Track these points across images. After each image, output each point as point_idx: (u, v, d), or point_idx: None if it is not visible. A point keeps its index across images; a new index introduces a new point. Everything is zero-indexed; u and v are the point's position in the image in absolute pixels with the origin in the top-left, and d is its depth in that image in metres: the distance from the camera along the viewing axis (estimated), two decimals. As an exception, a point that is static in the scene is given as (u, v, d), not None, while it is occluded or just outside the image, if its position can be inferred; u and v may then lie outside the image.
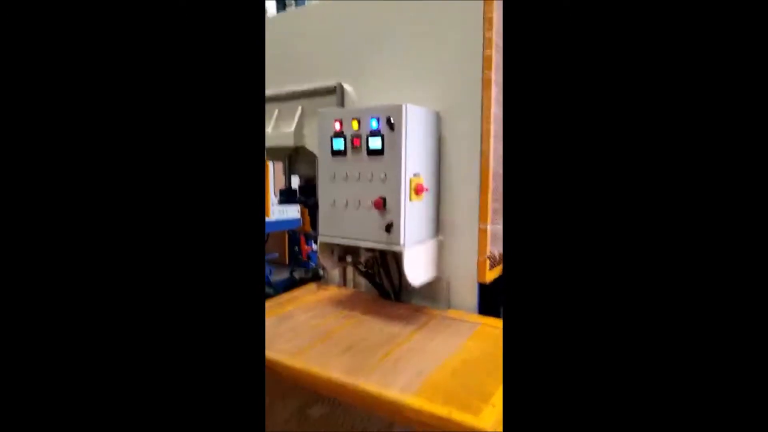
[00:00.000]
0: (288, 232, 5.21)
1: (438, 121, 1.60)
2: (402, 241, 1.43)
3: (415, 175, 1.46)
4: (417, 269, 1.52)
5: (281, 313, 1.57)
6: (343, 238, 1.55)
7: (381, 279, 1.72)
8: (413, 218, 1.47)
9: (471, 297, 1.61)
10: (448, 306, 1.65)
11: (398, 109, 1.39)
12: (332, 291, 1.85)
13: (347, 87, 1.81)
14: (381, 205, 1.44)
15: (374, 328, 1.44)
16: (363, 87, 1.79)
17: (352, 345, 1.29)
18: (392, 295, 1.72)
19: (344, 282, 1.91)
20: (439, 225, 1.65)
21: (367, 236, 1.49)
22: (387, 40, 1.71)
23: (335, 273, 1.92)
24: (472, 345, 1.29)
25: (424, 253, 1.55)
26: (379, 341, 1.33)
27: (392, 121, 1.39)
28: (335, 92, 1.81)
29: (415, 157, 1.46)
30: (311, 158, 1.99)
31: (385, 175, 1.43)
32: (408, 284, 1.50)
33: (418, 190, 1.46)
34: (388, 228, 1.43)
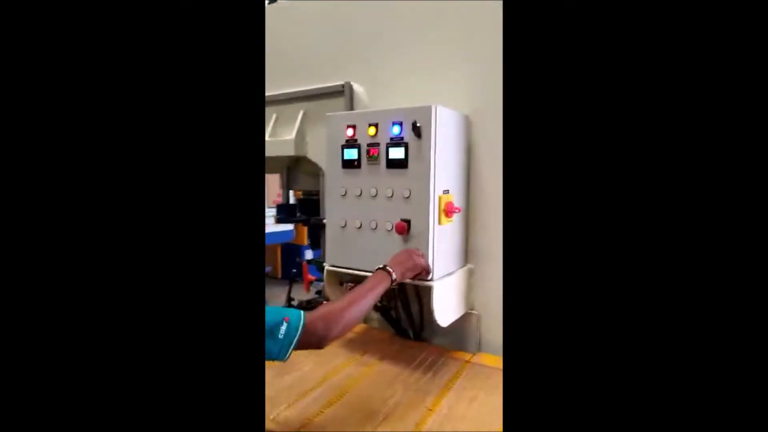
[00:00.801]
0: (282, 245, 4.92)
1: (468, 126, 1.34)
2: (431, 275, 1.16)
3: (444, 192, 1.20)
4: (447, 306, 1.25)
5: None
6: (355, 268, 1.28)
7: (398, 314, 1.45)
8: (443, 245, 1.21)
9: (508, 337, 1.35)
10: (479, 347, 1.38)
11: (427, 112, 1.13)
12: (339, 326, 1.57)
13: (357, 87, 1.55)
14: (405, 229, 1.17)
15: (397, 380, 1.17)
16: (376, 87, 1.54)
17: (374, 409, 1.02)
18: (411, 334, 1.46)
19: (353, 315, 1.63)
20: (468, 251, 1.39)
21: (386, 266, 1.22)
22: (404, 32, 1.46)
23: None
24: (524, 409, 1.03)
25: (454, 287, 1.29)
26: (406, 404, 1.05)
27: (419, 126, 1.13)
28: (343, 93, 1.55)
29: (445, 170, 1.20)
30: (314, 170, 1.72)
31: (410, 192, 1.17)
32: (434, 321, 1.24)
33: (448, 211, 1.20)
34: (414, 257, 1.17)
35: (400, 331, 1.47)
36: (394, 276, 1.04)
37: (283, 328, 0.82)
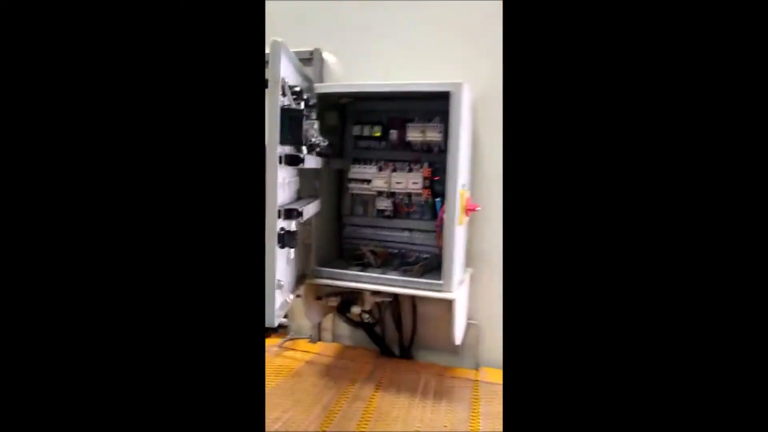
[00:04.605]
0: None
1: (475, 113, 1.17)
2: (453, 285, 0.97)
3: (462, 187, 1.01)
4: (461, 320, 1.07)
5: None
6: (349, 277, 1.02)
7: (383, 330, 1.23)
8: (459, 249, 1.02)
9: (509, 349, 1.22)
10: (476, 363, 1.22)
11: (458, 89, 0.93)
12: (305, 348, 1.29)
13: (328, 56, 1.28)
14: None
15: (411, 416, 0.95)
16: (351, 57, 1.28)
17: (410, 465, 0.79)
18: (397, 352, 1.24)
19: (318, 334, 1.35)
20: (468, 254, 1.22)
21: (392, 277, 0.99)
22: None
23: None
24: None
25: (465, 297, 1.11)
26: (442, 449, 0.85)
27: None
28: (311, 62, 1.26)
29: (464, 162, 1.01)
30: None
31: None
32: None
33: (468, 210, 1.02)
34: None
35: (384, 350, 1.24)
36: None
37: None
